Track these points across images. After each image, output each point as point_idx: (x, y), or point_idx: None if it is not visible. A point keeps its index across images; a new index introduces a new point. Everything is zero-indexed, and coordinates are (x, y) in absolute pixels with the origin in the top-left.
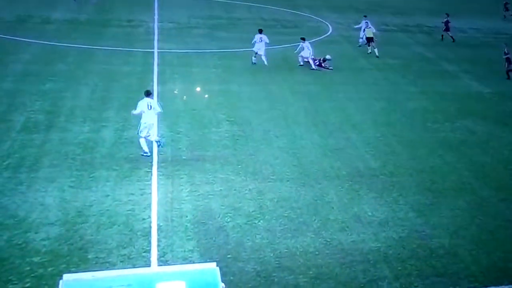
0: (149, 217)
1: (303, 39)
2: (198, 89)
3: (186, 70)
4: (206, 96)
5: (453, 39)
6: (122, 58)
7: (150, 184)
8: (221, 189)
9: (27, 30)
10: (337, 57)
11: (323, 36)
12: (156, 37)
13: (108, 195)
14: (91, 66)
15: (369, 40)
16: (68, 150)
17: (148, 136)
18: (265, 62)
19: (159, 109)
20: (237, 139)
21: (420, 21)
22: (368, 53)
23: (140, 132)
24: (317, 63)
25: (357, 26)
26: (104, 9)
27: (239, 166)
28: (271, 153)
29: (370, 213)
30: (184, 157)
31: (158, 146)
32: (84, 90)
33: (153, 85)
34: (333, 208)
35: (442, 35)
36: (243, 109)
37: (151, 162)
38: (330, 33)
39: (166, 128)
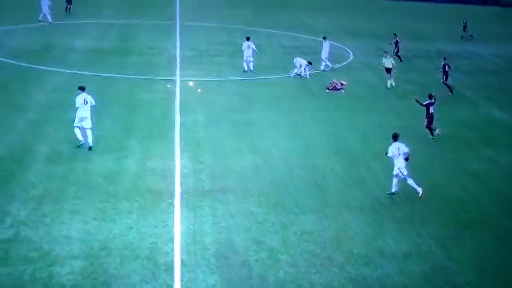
0: (172, 250)
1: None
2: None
3: (207, 98)
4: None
5: (401, 59)
6: (144, 86)
7: (173, 216)
8: (243, 222)
9: (51, 58)
10: (357, 84)
11: (344, 63)
12: (177, 65)
13: (131, 228)
14: (113, 94)
15: (388, 71)
16: (91, 181)
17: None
18: (251, 68)
19: (93, 103)
20: (259, 169)
21: (439, 47)
22: (387, 88)
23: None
24: (331, 87)
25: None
26: (127, 37)
27: (261, 198)
28: (293, 183)
29: (393, 246)
30: (206, 188)
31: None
32: (107, 120)
33: (174, 114)
34: (356, 241)
35: (400, 57)
36: (264, 138)
37: (173, 193)
38: (351, 60)
39: (188, 158)
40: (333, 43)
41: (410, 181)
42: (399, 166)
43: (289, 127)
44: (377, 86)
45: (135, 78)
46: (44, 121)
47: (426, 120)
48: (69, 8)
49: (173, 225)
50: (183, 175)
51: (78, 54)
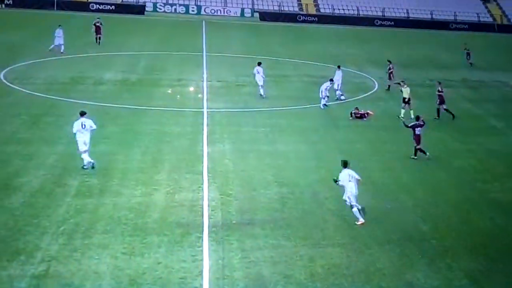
0: (201, 285)
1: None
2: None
3: (235, 129)
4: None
5: (389, 87)
6: (172, 119)
7: (202, 250)
8: (272, 255)
9: (81, 91)
10: (382, 114)
11: (369, 93)
12: (205, 96)
13: (160, 262)
14: (142, 127)
15: (404, 101)
16: (120, 215)
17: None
18: (262, 94)
19: (94, 126)
20: (286, 202)
21: (464, 75)
22: (398, 117)
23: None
24: (358, 115)
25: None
26: (155, 69)
27: (289, 231)
28: (321, 216)
29: (423, 281)
30: (234, 221)
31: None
32: (136, 152)
33: (202, 146)
34: (385, 275)
35: (389, 85)
36: (291, 169)
37: (202, 227)
38: (376, 89)
39: (216, 191)
40: (358, 72)
41: (355, 210)
42: (350, 193)
43: (315, 158)
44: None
45: (163, 110)
46: (74, 155)
47: (414, 141)
48: (99, 38)
49: (202, 260)
50: (211, 208)
51: (107, 86)
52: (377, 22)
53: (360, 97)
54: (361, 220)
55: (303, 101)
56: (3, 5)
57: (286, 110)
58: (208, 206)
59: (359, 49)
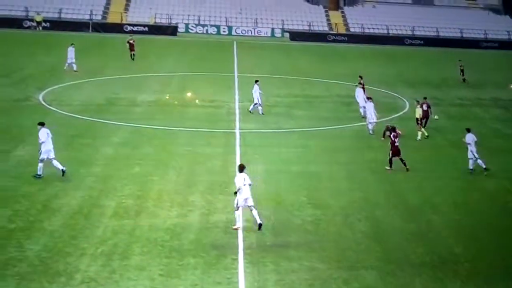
0: None
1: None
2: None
3: (266, 150)
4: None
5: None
6: (205, 140)
7: (237, 273)
8: (306, 278)
9: (116, 113)
10: (414, 135)
11: (400, 113)
12: (237, 117)
13: (196, 284)
14: (176, 148)
15: (417, 122)
16: (157, 237)
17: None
18: (261, 111)
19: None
20: (319, 223)
21: (495, 94)
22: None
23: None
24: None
25: None
26: (187, 90)
27: (323, 253)
28: (354, 238)
29: None
30: (268, 243)
31: None
32: (170, 173)
33: (235, 167)
34: None
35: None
36: (323, 190)
37: (237, 249)
38: (407, 109)
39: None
40: (389, 92)
41: (255, 212)
42: (246, 196)
43: (347, 179)
44: (433, 136)
45: (196, 131)
46: (111, 176)
47: (391, 151)
48: (133, 55)
49: (237, 282)
50: (246, 230)
51: (141, 107)
52: (407, 41)
53: (391, 117)
54: (237, 225)
55: (334, 121)
56: (41, 28)
57: (317, 130)
58: (243, 227)
59: (389, 68)
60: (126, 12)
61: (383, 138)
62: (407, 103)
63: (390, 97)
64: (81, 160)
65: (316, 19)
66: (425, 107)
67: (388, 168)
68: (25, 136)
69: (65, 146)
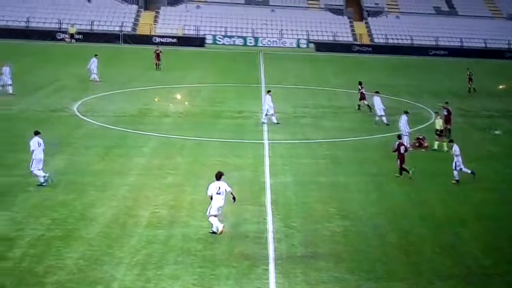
0: None
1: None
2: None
3: (295, 161)
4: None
5: (359, 107)
6: (234, 150)
7: (268, 283)
8: None
9: (148, 123)
10: (440, 145)
11: (426, 124)
12: (265, 128)
13: None
14: (206, 158)
15: (437, 133)
16: (190, 246)
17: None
18: (275, 120)
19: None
20: (348, 234)
21: None
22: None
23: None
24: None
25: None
26: (216, 101)
27: (352, 264)
28: (382, 249)
29: None
30: (298, 254)
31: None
32: (202, 184)
33: (265, 178)
34: None
35: (359, 105)
36: (352, 202)
37: (268, 259)
38: (433, 120)
39: (280, 222)
40: (414, 103)
41: (213, 219)
42: (219, 205)
43: (376, 190)
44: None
45: (226, 141)
46: (144, 186)
47: (398, 159)
48: (159, 65)
49: None
50: (276, 240)
51: (172, 118)
52: (431, 51)
53: (417, 128)
54: (221, 227)
55: (360, 132)
56: (74, 40)
57: (344, 141)
58: (273, 238)
59: (414, 79)
60: (155, 24)
61: (411, 149)
62: (432, 114)
63: (416, 108)
64: (116, 170)
65: (341, 30)
66: (445, 112)
67: (397, 175)
68: (61, 146)
69: (101, 156)
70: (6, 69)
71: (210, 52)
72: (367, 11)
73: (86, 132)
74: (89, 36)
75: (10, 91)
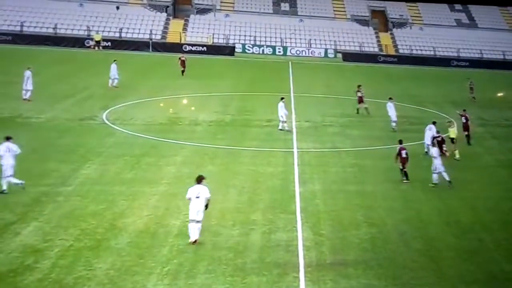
0: None
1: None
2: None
3: (324, 169)
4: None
5: (357, 111)
6: (264, 159)
7: None
8: None
9: (178, 132)
10: (463, 154)
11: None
12: (294, 137)
13: None
14: (237, 167)
15: (452, 141)
16: (220, 255)
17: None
18: (286, 128)
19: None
20: (375, 241)
21: None
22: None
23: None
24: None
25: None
26: (246, 110)
27: (380, 271)
28: (409, 256)
29: None
30: (328, 261)
31: None
32: (232, 192)
33: (295, 186)
34: None
35: (357, 108)
36: (378, 209)
37: (298, 267)
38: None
39: (309, 230)
40: (438, 113)
41: (197, 226)
42: (198, 209)
43: (401, 198)
44: (481, 156)
45: (256, 150)
46: (175, 195)
47: (400, 163)
48: (184, 71)
49: None
50: (306, 248)
51: (202, 126)
52: (453, 62)
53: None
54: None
55: (387, 141)
56: (100, 47)
57: (371, 150)
58: (303, 246)
59: (437, 89)
60: (184, 32)
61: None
62: (455, 123)
63: (439, 117)
64: (146, 179)
65: (367, 40)
66: (463, 120)
67: (405, 180)
68: (90, 154)
69: (131, 165)
70: (27, 73)
71: (240, 60)
72: (392, 22)
73: (116, 140)
74: (118, 44)
75: (26, 97)
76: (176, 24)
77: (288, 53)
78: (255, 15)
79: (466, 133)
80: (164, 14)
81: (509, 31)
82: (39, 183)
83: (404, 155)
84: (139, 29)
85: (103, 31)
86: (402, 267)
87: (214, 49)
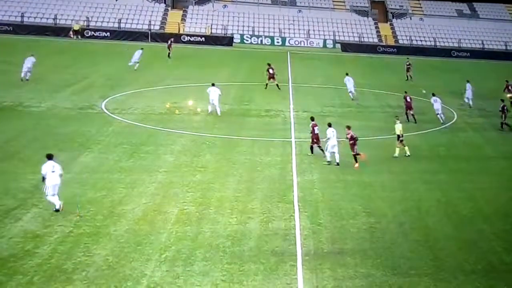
0: None
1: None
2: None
3: (322, 159)
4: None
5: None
6: (263, 148)
7: (296, 279)
8: (362, 284)
9: (177, 121)
10: (462, 145)
11: (448, 124)
12: (292, 127)
13: None
14: (235, 156)
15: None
16: (218, 243)
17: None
18: (218, 112)
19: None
20: (374, 231)
21: None
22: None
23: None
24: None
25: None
26: (244, 99)
27: (378, 260)
28: (407, 246)
29: None
30: (325, 250)
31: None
32: (230, 181)
33: (293, 175)
34: None
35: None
36: (377, 199)
37: (296, 255)
38: (455, 120)
39: (307, 220)
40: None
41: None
42: (55, 183)
43: (400, 189)
44: (482, 146)
45: (254, 139)
46: (173, 183)
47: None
48: (169, 54)
49: None
50: (304, 237)
51: (201, 116)
52: (454, 53)
53: (439, 128)
54: (60, 206)
55: (385, 131)
56: (79, 36)
57: (370, 140)
58: (300, 235)
59: (437, 80)
60: (183, 23)
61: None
62: (455, 114)
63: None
64: (145, 168)
65: (366, 31)
66: (408, 99)
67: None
68: (89, 143)
69: (130, 154)
70: (30, 59)
71: (238, 51)
72: (391, 13)
73: (115, 129)
74: (117, 34)
75: (24, 76)
76: (174, 15)
77: (287, 44)
78: (253, 5)
79: (411, 112)
80: (163, 5)
81: (511, 21)
82: (38, 170)
83: (316, 132)
84: (138, 19)
85: (102, 21)
86: (400, 257)
87: (212, 40)
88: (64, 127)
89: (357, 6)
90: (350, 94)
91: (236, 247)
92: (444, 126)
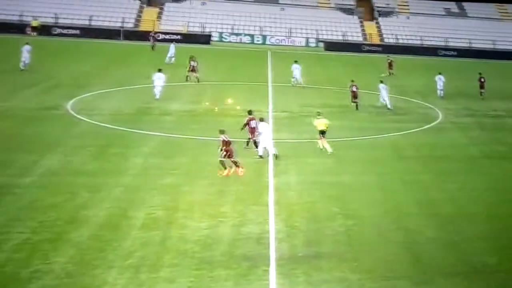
0: None
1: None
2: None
3: (300, 160)
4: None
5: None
6: (238, 149)
7: (268, 284)
8: None
9: (147, 122)
10: (446, 145)
11: (433, 124)
12: (270, 127)
13: None
14: (209, 158)
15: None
16: (187, 248)
17: None
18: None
19: None
20: (351, 234)
21: None
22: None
23: None
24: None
25: None
26: (221, 99)
27: (355, 264)
28: (385, 248)
29: None
30: (300, 254)
31: None
32: (202, 184)
33: (268, 177)
34: None
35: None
36: (355, 201)
37: (269, 260)
38: (440, 120)
39: (282, 223)
40: (422, 103)
41: None
42: None
43: (380, 190)
44: (466, 146)
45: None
46: (141, 186)
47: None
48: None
49: None
50: (278, 241)
51: (174, 117)
52: (440, 52)
53: (423, 128)
54: None
55: (369, 131)
56: (36, 33)
57: (351, 140)
58: (275, 238)
59: (423, 79)
60: (159, 20)
61: None
62: (440, 114)
63: (424, 107)
64: (110, 171)
65: (351, 30)
66: (354, 89)
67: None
68: (53, 145)
69: (95, 156)
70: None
71: (216, 49)
72: (378, 11)
73: (80, 131)
74: (88, 32)
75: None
76: (150, 12)
77: (268, 42)
78: (233, 3)
79: (356, 100)
80: (138, 2)
81: (499, 20)
82: None
83: (252, 125)
84: (111, 17)
85: (72, 18)
86: (378, 260)
87: (189, 38)
88: (26, 128)
89: (342, 4)
90: (293, 80)
91: (205, 252)
92: (391, 110)
